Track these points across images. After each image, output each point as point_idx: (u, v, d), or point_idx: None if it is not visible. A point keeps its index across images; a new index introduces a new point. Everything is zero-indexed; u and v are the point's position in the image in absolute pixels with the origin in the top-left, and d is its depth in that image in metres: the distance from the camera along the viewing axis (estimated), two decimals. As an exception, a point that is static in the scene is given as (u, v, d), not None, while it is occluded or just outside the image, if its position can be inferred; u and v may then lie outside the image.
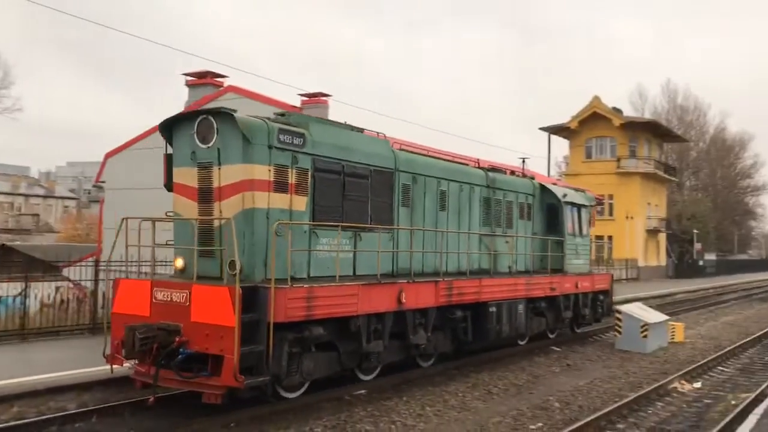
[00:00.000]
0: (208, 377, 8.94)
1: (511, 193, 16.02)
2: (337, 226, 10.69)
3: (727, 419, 9.75)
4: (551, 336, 17.82)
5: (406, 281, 11.73)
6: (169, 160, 10.64)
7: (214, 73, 26.68)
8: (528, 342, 16.89)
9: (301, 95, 27.80)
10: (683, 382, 13.37)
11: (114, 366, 9.82)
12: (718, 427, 9.26)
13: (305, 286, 9.71)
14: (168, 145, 10.72)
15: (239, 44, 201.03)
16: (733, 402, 11.64)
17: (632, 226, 53.50)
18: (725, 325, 23.88)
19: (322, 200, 10.77)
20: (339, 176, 11.09)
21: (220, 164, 9.86)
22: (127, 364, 9.76)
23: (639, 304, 19.79)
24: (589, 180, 54.14)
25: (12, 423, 9.16)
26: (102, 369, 10.92)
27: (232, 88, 25.02)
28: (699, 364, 15.13)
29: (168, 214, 10.66)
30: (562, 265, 17.27)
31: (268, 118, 10.41)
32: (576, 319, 18.28)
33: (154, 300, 9.57)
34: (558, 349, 17.01)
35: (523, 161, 19.05)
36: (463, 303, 13.21)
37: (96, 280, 17.41)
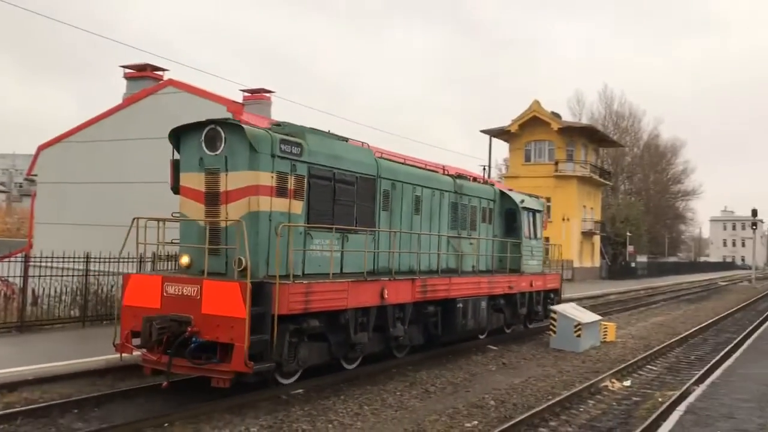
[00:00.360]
0: (218, 364, 9.80)
1: (475, 198, 17.10)
2: (330, 228, 11.75)
3: (653, 416, 10.09)
4: (507, 331, 19.12)
5: (387, 279, 12.77)
6: (176, 166, 11.39)
7: (153, 66, 26.14)
8: (486, 336, 17.89)
9: (244, 91, 27.54)
10: (614, 380, 13.77)
11: (123, 354, 10.63)
12: (644, 425, 9.58)
13: (304, 282, 10.69)
14: (175, 151, 11.42)
15: (180, 38, 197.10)
16: (660, 399, 12.05)
17: (568, 228, 54.85)
18: (654, 326, 24.71)
19: (316, 204, 11.66)
20: (330, 183, 11.99)
21: (227, 170, 10.68)
22: (137, 353, 10.57)
23: (573, 304, 20.28)
24: (528, 182, 55.24)
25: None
26: (33, 368, 10.62)
27: (172, 82, 24.54)
28: (629, 363, 15.60)
29: (174, 214, 11.49)
30: (519, 266, 18.44)
31: (270, 129, 11.37)
32: (530, 315, 19.49)
33: (164, 294, 10.36)
34: (495, 347, 17.29)
35: (484, 168, 21.13)
36: (435, 299, 14.40)
37: (25, 277, 16.80)
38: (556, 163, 56.53)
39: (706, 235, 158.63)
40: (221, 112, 22.48)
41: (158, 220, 11.27)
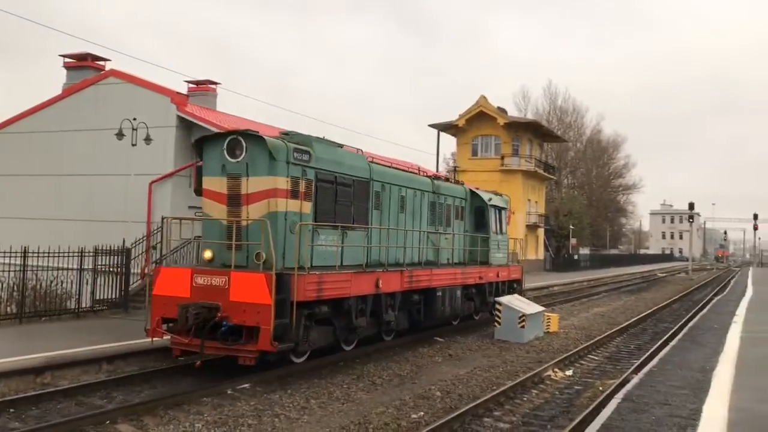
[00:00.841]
0: (244, 344, 11.13)
1: (449, 197, 18.67)
2: (334, 225, 13.21)
3: (593, 405, 10.37)
4: (476, 317, 20.62)
5: (382, 270, 14.38)
6: (199, 171, 12.80)
7: (94, 56, 25.42)
8: (459, 321, 19.64)
9: (189, 82, 27.05)
10: (556, 370, 14.10)
11: (155, 338, 11.90)
12: (584, 413, 9.84)
13: (317, 273, 12.12)
14: (198, 157, 12.87)
15: (122, 28, 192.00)
16: (600, 388, 12.38)
17: (514, 222, 55.69)
18: (596, 316, 25.36)
19: (322, 205, 13.01)
20: (333, 185, 13.39)
21: (248, 175, 11.95)
22: (167, 337, 11.86)
23: (517, 295, 20.63)
24: (475, 177, 55.83)
25: None
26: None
27: (114, 72, 23.92)
28: (571, 352, 15.99)
29: (197, 214, 12.98)
30: (487, 258, 20.32)
31: (283, 138, 12.68)
32: (486, 306, 20.77)
33: (194, 284, 11.60)
34: (441, 339, 17.48)
35: (455, 169, 21.55)
36: (419, 288, 16.02)
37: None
38: (502, 158, 57.30)
39: (645, 228, 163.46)
40: (165, 104, 22.08)
41: (185, 219, 13.55)
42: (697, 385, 10.67)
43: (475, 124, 57.83)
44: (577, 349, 16.50)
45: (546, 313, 20.29)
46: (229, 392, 11.06)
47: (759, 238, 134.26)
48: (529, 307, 19.23)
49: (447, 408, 10.65)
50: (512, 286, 22.39)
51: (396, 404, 10.72)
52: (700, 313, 24.38)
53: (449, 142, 71.35)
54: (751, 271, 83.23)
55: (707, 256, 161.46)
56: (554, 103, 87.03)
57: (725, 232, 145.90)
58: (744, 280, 53.18)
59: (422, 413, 10.27)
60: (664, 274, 68.09)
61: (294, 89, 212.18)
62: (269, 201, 11.87)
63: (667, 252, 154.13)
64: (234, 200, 12.07)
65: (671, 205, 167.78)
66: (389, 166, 16.43)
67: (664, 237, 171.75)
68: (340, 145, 14.37)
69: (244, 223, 11.95)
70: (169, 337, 11.80)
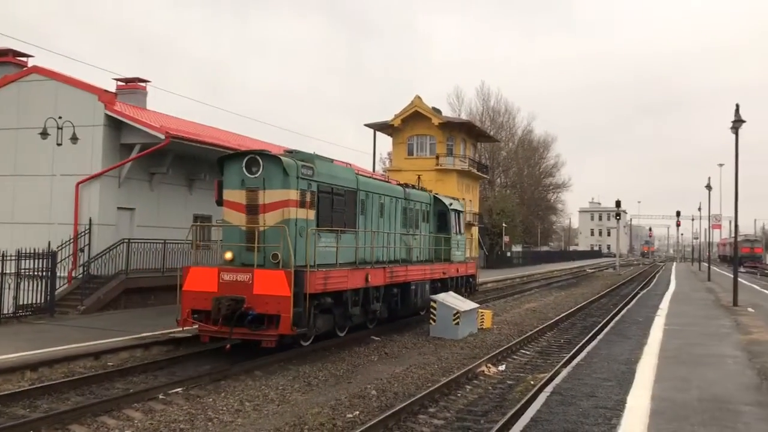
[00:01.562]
0: (266, 330, 13.25)
1: (417, 203, 21.12)
2: (332, 230, 15.51)
3: (525, 399, 10.64)
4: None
5: (370, 267, 16.83)
6: (219, 185, 14.77)
7: (16, 51, 24.42)
8: (426, 312, 20.68)
9: (118, 80, 26.28)
10: (489, 365, 14.38)
11: (185, 327, 13.97)
12: (516, 408, 10.08)
13: (323, 270, 14.38)
14: (219, 173, 14.80)
15: (46, 22, 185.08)
16: (531, 382, 12.70)
17: (449, 220, 56.33)
18: (528, 312, 25.97)
19: (322, 212, 15.23)
20: (330, 195, 15.62)
21: (264, 188, 14.04)
22: (195, 326, 13.89)
23: (451, 293, 20.90)
24: (411, 176, 56.15)
25: None
26: None
27: (37, 69, 23.04)
28: (504, 348, 16.34)
29: (218, 221, 15.72)
30: (449, 256, 22.99)
31: (291, 156, 14.92)
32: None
33: (221, 280, 13.58)
34: (377, 338, 17.57)
35: (419, 178, 26.31)
36: (397, 283, 18.42)
37: None
38: (437, 157, 57.95)
39: (575, 225, 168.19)
40: (92, 102, 21.43)
41: (211, 226, 17.42)
42: (623, 376, 11.07)
43: (411, 124, 58.29)
44: (509, 345, 16.86)
45: (480, 310, 20.64)
46: (161, 397, 10.85)
47: (682, 234, 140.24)
48: (464, 304, 19.52)
49: (382, 406, 10.71)
50: (468, 281, 24.91)
51: (332, 404, 10.72)
52: (627, 307, 25.26)
53: (386, 141, 71.72)
54: (675, 266, 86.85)
55: (634, 252, 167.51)
56: (487, 103, 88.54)
57: (650, 229, 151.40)
58: (668, 275, 55.43)
59: (358, 412, 10.31)
60: (593, 270, 70.21)
61: (228, 87, 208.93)
62: (283, 210, 14.00)
63: (596, 248, 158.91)
64: (252, 209, 14.13)
65: (599, 203, 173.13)
66: (370, 177, 19.42)
67: (592, 234, 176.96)
68: (331, 160, 17.02)
69: (261, 228, 13.93)
70: (197, 326, 13.84)
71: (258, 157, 14.23)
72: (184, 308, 13.81)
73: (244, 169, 14.24)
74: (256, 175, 14.12)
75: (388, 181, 20.48)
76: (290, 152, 15.68)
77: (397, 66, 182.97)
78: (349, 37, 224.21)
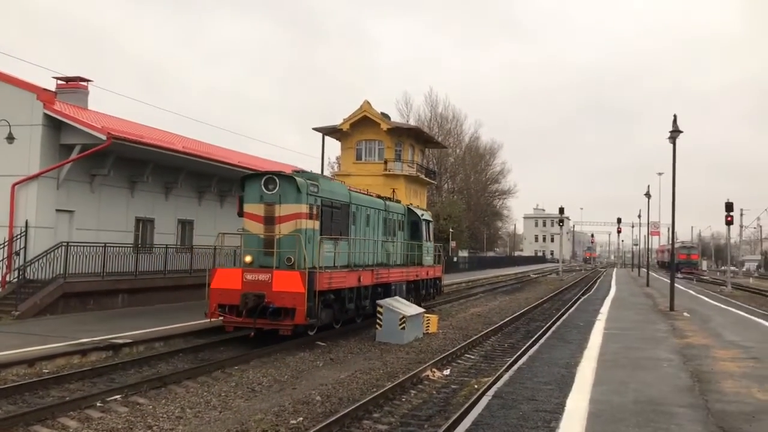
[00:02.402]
0: (283, 320, 15.93)
1: (394, 213, 24.04)
2: (332, 237, 18.34)
3: (468, 403, 10.74)
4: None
5: (361, 269, 19.92)
6: (241, 199, 17.48)
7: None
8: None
9: (58, 79, 25.54)
10: (434, 370, 14.47)
11: (212, 319, 16.58)
12: (459, 412, 10.17)
13: (327, 271, 17.30)
14: (241, 189, 17.57)
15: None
16: (475, 386, 12.83)
17: (396, 225, 56.54)
18: (473, 316, 26.26)
19: (325, 223, 18.00)
20: (330, 208, 18.44)
21: (280, 203, 16.82)
22: (221, 318, 16.46)
23: (397, 297, 21.01)
24: (360, 180, 56.17)
25: None
26: None
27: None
28: (449, 352, 16.47)
29: (239, 230, 18.05)
30: (421, 261, 25.97)
31: (302, 175, 17.78)
32: (426, 294, 26.85)
33: (244, 279, 16.21)
34: (323, 344, 17.50)
35: (393, 191, 29.68)
36: (381, 283, 21.34)
37: None
38: (386, 163, 58.18)
39: (520, 231, 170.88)
40: (30, 101, 20.77)
41: (235, 234, 19.10)
42: (562, 380, 11.29)
43: (359, 129, 58.35)
44: (454, 349, 17.00)
45: (426, 315, 20.79)
46: (98, 404, 10.56)
47: (622, 241, 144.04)
48: (409, 308, 19.61)
49: (327, 412, 10.66)
50: (436, 282, 28.28)
51: (275, 410, 10.62)
52: (569, 312, 25.79)
53: (334, 145, 71.60)
54: (615, 271, 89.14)
55: (576, 258, 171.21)
56: (435, 110, 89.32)
57: (592, 235, 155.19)
58: (608, 281, 56.85)
59: (301, 418, 10.24)
60: (537, 276, 71.51)
61: (169, 86, 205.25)
62: (296, 221, 16.83)
63: (540, 254, 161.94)
64: (269, 220, 16.89)
65: (543, 210, 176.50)
66: (358, 192, 22.74)
67: (536, 240, 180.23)
68: (330, 179, 21.05)
69: (277, 236, 16.68)
70: (221, 318, 16.41)
71: (275, 177, 17.06)
72: (211, 303, 16.39)
73: (262, 186, 17.03)
74: (273, 192, 16.92)
75: (372, 195, 23.36)
76: (297, 172, 18.67)
77: (344, 70, 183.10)
78: (294, 38, 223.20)
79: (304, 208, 16.88)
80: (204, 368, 13.42)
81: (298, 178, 16.96)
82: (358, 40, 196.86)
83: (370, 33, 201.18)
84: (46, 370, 12.86)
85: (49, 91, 21.69)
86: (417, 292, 25.46)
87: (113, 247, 21.81)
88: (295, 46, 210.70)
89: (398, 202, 25.89)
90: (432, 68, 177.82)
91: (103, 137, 19.85)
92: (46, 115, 20.66)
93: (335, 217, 18.65)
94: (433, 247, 28.15)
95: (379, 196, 23.82)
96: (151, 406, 10.61)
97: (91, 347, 14.41)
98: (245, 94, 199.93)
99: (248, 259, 16.79)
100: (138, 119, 27.80)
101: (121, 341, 15.03)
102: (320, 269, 16.64)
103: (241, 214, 17.29)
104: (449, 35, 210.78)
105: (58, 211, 21.40)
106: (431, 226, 28.42)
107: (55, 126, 20.92)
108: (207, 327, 17.57)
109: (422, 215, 26.60)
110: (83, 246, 20.91)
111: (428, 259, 26.93)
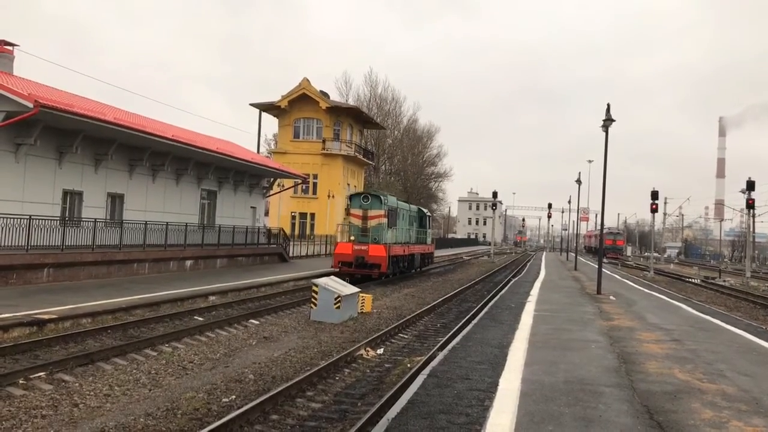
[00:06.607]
0: (373, 270, 30.88)
1: (413, 212, 39.65)
2: (393, 227, 32.92)
3: (401, 382, 10.84)
4: (421, 269, 42.22)
5: (402, 245, 35.05)
6: (348, 206, 33.11)
7: None
8: (415, 271, 41.33)
9: (-21, 41, 24.22)
10: (368, 349, 14.54)
11: (336, 270, 30.26)
12: (393, 390, 10.25)
13: (393, 246, 32.53)
14: (348, 201, 33.55)
15: None
16: (408, 365, 12.95)
17: (333, 205, 56.51)
18: (407, 296, 26.50)
19: (390, 219, 32.16)
20: (391, 211, 32.49)
21: (371, 209, 31.35)
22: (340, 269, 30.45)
23: (333, 277, 20.97)
24: (296, 159, 55.78)
25: None
26: None
27: None
28: (383, 332, 16.56)
29: (345, 222, 33.44)
30: (424, 241, 41.91)
31: (380, 194, 32.63)
32: (423, 264, 42.31)
33: (354, 248, 30.67)
34: (256, 322, 17.34)
35: (394, 201, 37.58)
36: (410, 253, 36.91)
37: None
38: (324, 142, 57.78)
39: (454, 214, 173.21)
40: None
41: (344, 224, 33.03)
42: (495, 360, 11.50)
43: (298, 106, 57.72)
44: (388, 329, 17.11)
45: (361, 294, 20.83)
46: (21, 382, 10.16)
47: (552, 226, 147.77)
48: (345, 288, 19.61)
49: (260, 390, 10.58)
50: (431, 255, 45.16)
51: (207, 388, 10.47)
52: (500, 294, 26.28)
53: (271, 122, 70.50)
54: (545, 255, 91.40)
55: (507, 241, 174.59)
56: (374, 90, 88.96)
57: (524, 219, 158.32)
58: (538, 264, 58.20)
59: (234, 396, 10.13)
60: (470, 258, 72.66)
61: (92, 51, 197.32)
62: (378, 219, 31.05)
63: (473, 237, 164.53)
64: (365, 218, 31.07)
65: (477, 193, 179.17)
66: (398, 200, 37.28)
67: (470, 223, 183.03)
68: (391, 194, 36.66)
69: (369, 226, 30.75)
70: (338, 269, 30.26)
71: (369, 195, 31.80)
72: (336, 261, 30.91)
73: (361, 199, 31.57)
74: (367, 203, 31.35)
75: (405, 201, 42.90)
76: (373, 193, 32.87)
77: (281, 45, 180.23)
78: (228, 8, 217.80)
79: (382, 212, 31.24)
80: (133, 345, 13.09)
81: (380, 197, 31.74)
82: (295, 13, 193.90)
83: (309, 5, 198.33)
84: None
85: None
86: (422, 260, 41.24)
87: (39, 219, 20.94)
88: (228, 18, 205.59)
89: (412, 204, 43.33)
90: (372, 47, 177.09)
91: (30, 105, 18.91)
92: (-33, 79, 19.62)
93: (391, 216, 32.37)
94: (431, 233, 45.81)
95: (406, 201, 43.76)
96: (77, 384, 10.29)
97: (14, 323, 13.81)
98: (172, 61, 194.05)
99: (353, 238, 30.77)
100: (63, 87, 26.62)
101: (46, 317, 14.48)
102: (389, 245, 30.91)
103: (347, 212, 32.22)
104: (394, 10, 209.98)
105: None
106: (431, 219, 47.23)
107: (-24, 91, 19.84)
108: (137, 303, 17.12)
109: (426, 213, 43.30)
110: (5, 218, 19.99)
111: (429, 240, 43.67)
